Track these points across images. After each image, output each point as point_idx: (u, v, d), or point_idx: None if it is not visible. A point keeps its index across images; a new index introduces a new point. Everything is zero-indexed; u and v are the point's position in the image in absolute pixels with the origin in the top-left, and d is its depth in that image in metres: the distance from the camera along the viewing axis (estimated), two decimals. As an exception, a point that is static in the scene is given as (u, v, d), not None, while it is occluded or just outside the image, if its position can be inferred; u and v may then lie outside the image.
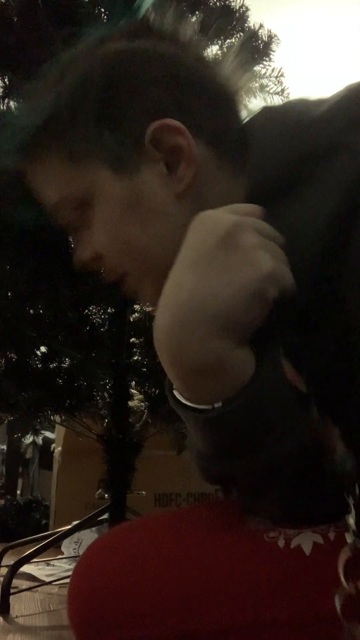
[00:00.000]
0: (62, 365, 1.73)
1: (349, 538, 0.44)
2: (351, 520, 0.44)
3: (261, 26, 1.61)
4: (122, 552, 0.54)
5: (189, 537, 0.54)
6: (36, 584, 1.78)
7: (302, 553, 0.48)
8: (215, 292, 0.42)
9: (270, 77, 1.56)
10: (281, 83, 1.56)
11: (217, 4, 1.64)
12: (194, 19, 1.62)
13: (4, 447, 3.91)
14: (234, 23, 1.63)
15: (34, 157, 0.58)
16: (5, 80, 1.54)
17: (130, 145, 0.54)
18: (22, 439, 3.72)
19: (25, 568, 1.78)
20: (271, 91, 1.55)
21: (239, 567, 0.50)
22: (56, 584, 1.79)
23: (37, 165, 0.58)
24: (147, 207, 0.55)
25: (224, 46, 1.63)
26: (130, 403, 1.70)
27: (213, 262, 0.42)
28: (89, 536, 2.01)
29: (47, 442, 3.52)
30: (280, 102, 0.59)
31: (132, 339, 1.70)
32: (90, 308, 1.65)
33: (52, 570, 1.94)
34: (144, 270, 0.57)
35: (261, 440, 0.46)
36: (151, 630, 0.50)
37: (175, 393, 0.48)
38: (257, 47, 1.58)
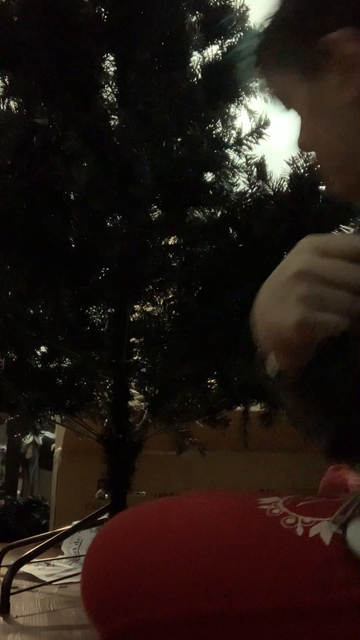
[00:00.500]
0: (62, 365, 1.73)
1: None
2: None
3: (262, 26, 1.61)
4: (135, 535, 0.54)
5: (204, 521, 0.53)
6: (36, 584, 1.78)
7: (321, 543, 0.48)
8: (264, 315, 0.54)
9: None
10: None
11: (217, 4, 1.64)
12: (194, 19, 1.62)
13: (4, 447, 3.90)
14: (234, 23, 1.63)
15: (254, 63, 0.73)
16: (6, 80, 1.54)
17: (312, 55, 0.63)
18: (22, 439, 3.72)
19: (25, 568, 1.79)
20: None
21: (255, 552, 0.50)
22: (56, 584, 1.79)
23: (256, 71, 0.73)
24: (327, 109, 0.63)
25: (224, 46, 1.64)
26: (130, 403, 1.70)
27: (274, 293, 0.53)
28: (89, 536, 2.01)
29: (47, 442, 3.52)
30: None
31: (132, 339, 1.70)
32: (90, 308, 1.65)
33: (52, 570, 1.94)
34: (329, 166, 0.67)
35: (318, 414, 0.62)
36: (163, 614, 0.50)
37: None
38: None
